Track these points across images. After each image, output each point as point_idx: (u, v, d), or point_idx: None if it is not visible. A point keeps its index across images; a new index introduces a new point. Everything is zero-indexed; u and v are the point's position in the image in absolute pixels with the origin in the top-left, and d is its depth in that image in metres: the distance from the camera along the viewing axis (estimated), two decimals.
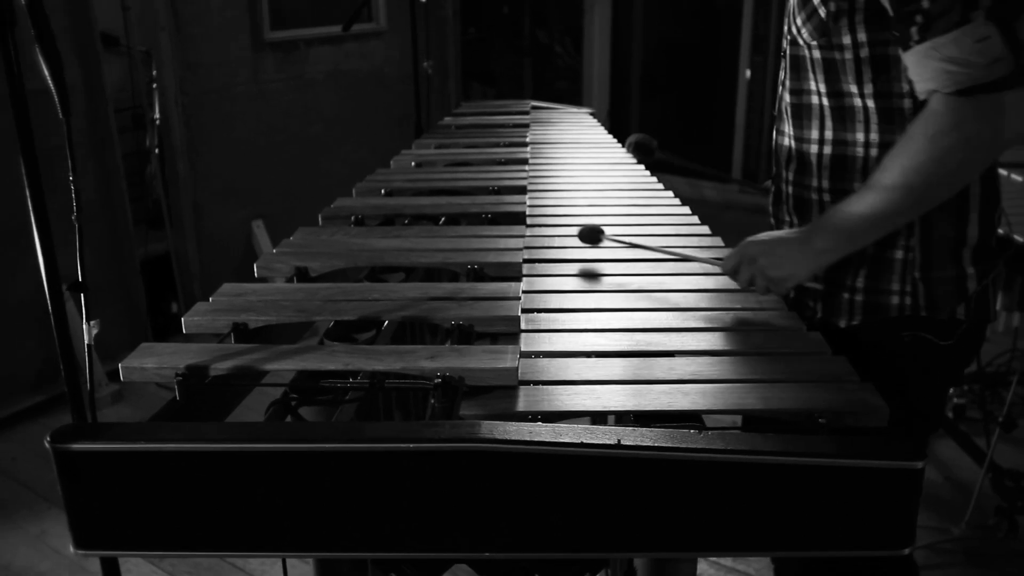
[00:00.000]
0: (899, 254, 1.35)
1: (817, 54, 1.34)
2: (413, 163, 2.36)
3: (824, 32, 1.30)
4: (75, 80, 3.21)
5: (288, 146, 4.25)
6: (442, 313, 1.31)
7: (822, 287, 1.44)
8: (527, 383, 1.11)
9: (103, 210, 3.40)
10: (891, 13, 1.20)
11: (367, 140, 4.55)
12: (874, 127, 1.31)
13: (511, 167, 2.30)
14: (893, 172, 1.21)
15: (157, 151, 3.72)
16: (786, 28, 1.44)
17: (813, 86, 1.37)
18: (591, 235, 1.61)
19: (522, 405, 1.06)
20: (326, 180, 4.24)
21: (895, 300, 1.37)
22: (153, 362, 1.15)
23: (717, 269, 1.43)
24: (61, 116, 1.02)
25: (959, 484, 2.63)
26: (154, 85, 3.69)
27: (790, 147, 1.46)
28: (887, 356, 1.38)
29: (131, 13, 3.81)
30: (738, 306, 1.34)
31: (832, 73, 1.33)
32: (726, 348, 1.22)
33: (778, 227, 1.53)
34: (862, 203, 1.25)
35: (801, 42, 1.36)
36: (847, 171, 1.36)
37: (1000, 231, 2.06)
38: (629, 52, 6.10)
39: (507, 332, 1.28)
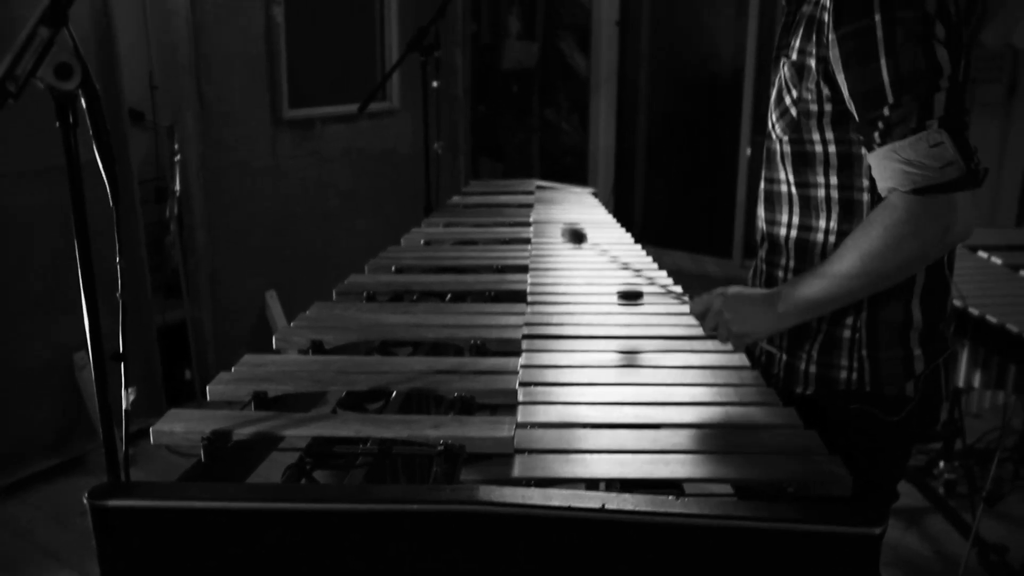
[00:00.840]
0: (847, 333, 1.46)
1: (788, 148, 1.47)
2: (423, 241, 2.49)
3: (795, 129, 1.44)
4: None
5: (303, 220, 4.40)
6: (446, 385, 1.42)
7: (786, 356, 1.54)
8: (523, 451, 1.21)
9: (124, 278, 3.52)
10: (856, 119, 1.33)
11: (379, 215, 4.69)
12: (835, 216, 1.43)
13: (514, 246, 2.43)
14: (852, 256, 1.34)
15: (177, 222, 3.86)
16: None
17: (783, 175, 1.50)
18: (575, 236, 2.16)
19: (518, 471, 1.16)
20: (338, 253, 4.37)
21: (843, 375, 1.47)
22: (181, 427, 1.26)
23: (691, 317, 1.59)
24: (112, 204, 1.15)
25: (948, 558, 2.68)
26: (176, 158, 3.85)
27: (763, 229, 1.59)
28: (837, 426, 1.45)
29: (158, 92, 4.00)
30: (720, 382, 1.45)
31: (801, 165, 1.46)
32: (707, 421, 1.32)
33: None
34: (822, 281, 1.38)
35: (775, 136, 1.50)
36: (808, 253, 1.49)
37: (973, 311, 2.17)
38: (634, 131, 6.29)
39: (506, 404, 1.38)
